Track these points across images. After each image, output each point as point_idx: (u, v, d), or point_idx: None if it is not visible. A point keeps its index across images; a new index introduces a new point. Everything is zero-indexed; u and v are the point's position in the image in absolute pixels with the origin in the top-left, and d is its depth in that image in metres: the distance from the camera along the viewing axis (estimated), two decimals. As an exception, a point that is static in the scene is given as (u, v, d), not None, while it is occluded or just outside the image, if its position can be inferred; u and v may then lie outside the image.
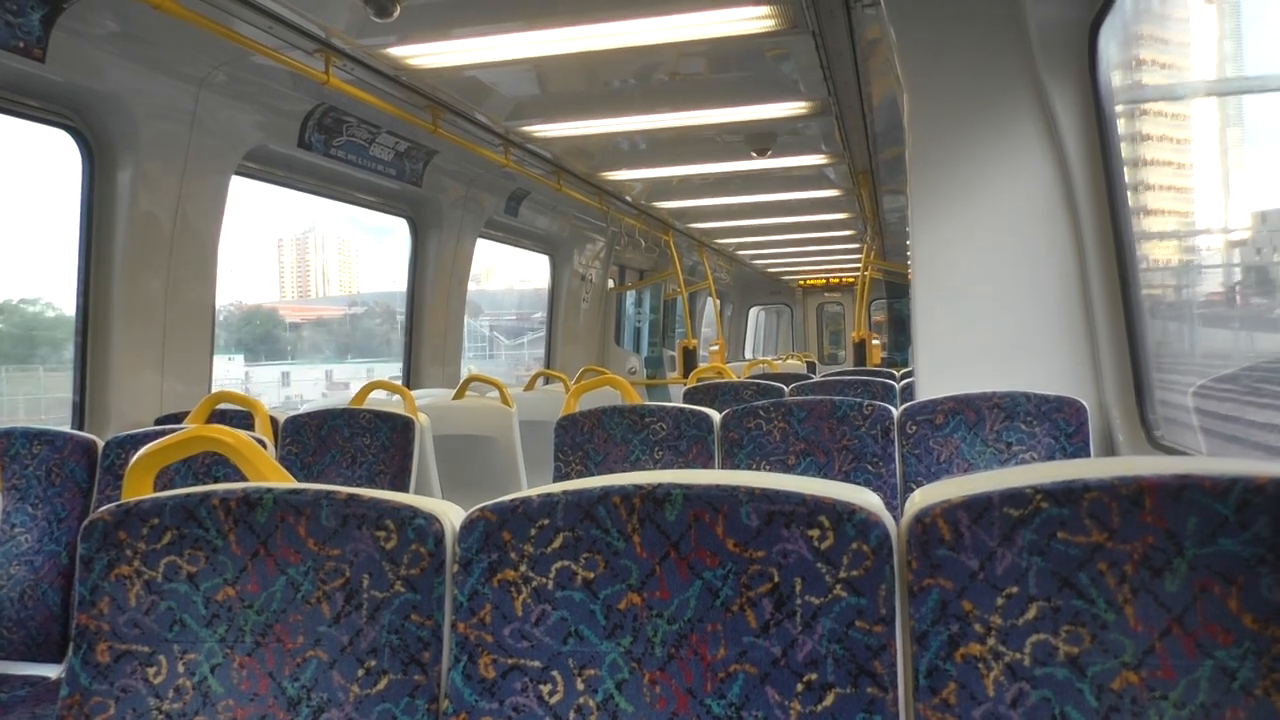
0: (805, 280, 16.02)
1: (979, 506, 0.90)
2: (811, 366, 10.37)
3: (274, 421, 3.04)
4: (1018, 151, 2.70)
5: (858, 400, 2.42)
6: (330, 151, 4.35)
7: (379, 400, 3.90)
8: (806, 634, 0.94)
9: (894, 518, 0.95)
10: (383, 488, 2.51)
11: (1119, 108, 2.63)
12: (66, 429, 2.50)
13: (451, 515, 1.08)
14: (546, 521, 1.01)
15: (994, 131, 2.72)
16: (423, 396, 4.20)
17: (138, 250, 3.38)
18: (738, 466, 2.42)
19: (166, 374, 3.55)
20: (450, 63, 3.69)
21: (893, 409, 2.43)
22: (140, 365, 3.46)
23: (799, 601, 0.94)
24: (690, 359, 9.13)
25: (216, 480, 2.16)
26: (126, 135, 3.28)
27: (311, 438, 3.01)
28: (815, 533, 0.94)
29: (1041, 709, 0.87)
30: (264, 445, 1.63)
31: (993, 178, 2.72)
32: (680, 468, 2.19)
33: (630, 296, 10.97)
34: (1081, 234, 2.64)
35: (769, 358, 11.73)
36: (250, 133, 3.83)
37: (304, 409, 3.26)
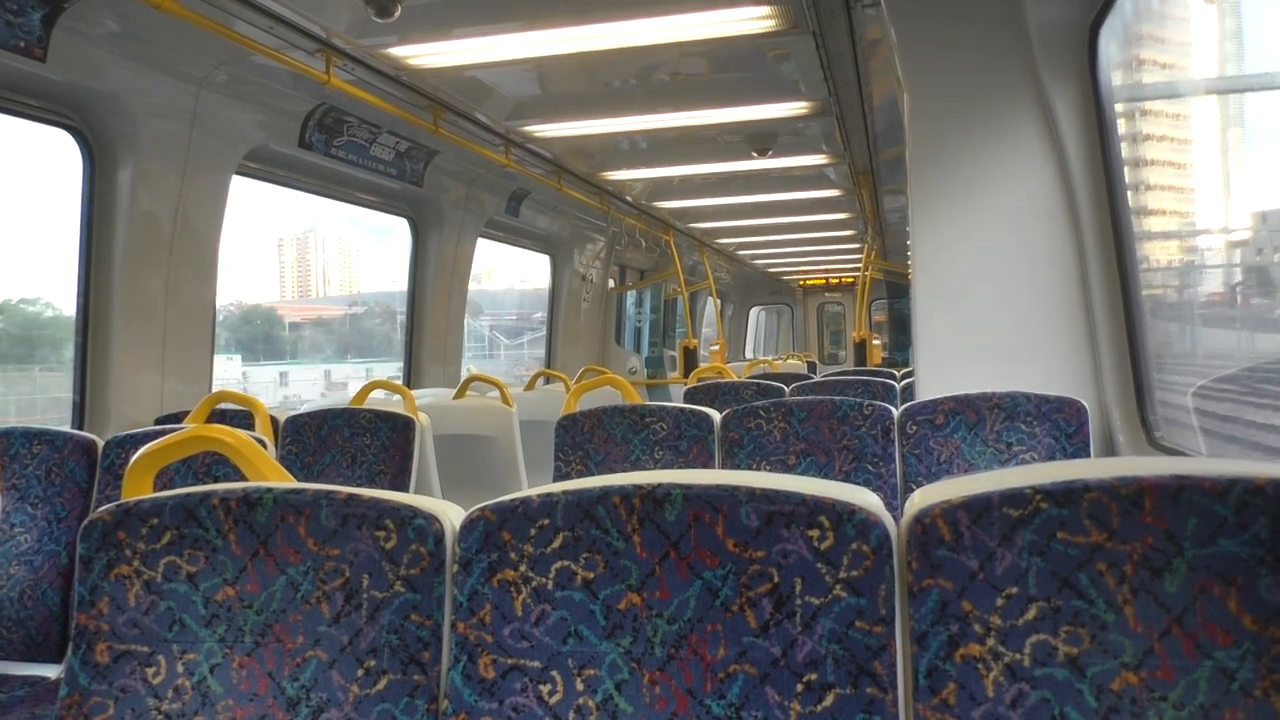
0: (806, 280, 16.02)
1: (979, 507, 0.90)
2: (812, 366, 10.37)
3: (274, 421, 3.04)
4: (1018, 152, 2.70)
5: (858, 400, 2.42)
6: (331, 151, 4.35)
7: (379, 400, 3.90)
8: (806, 634, 0.94)
9: (894, 518, 0.95)
10: (383, 487, 2.51)
11: (1119, 107, 2.63)
12: (66, 429, 2.50)
13: (451, 515, 1.08)
14: (546, 521, 1.01)
15: (994, 132, 2.71)
16: (423, 396, 4.20)
17: (138, 250, 3.38)
18: (738, 466, 2.42)
19: (167, 374, 3.55)
20: (451, 63, 3.69)
21: (893, 409, 2.43)
22: (140, 365, 3.46)
23: (799, 602, 0.94)
24: (691, 359, 9.13)
25: (216, 480, 2.16)
26: (127, 135, 3.28)
27: (311, 437, 3.01)
28: (815, 533, 0.94)
29: (1041, 709, 0.87)
30: (264, 445, 1.63)
31: (993, 178, 2.72)
32: (680, 468, 2.19)
33: (631, 296, 10.97)
34: (1082, 234, 2.64)
35: (769, 358, 11.73)
36: (251, 132, 3.83)
37: (302, 409, 3.26)
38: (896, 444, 2.39)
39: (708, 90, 4.27)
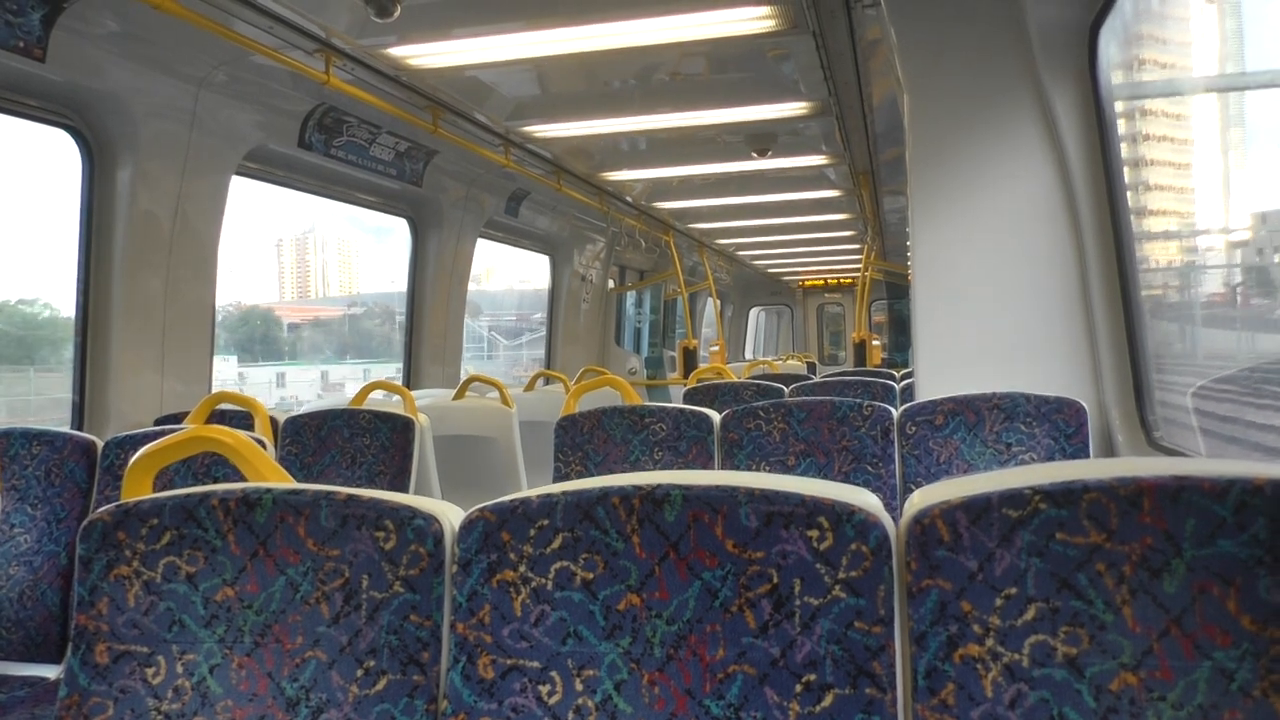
0: (805, 281, 16.02)
1: (978, 507, 0.90)
2: (811, 367, 10.37)
3: (274, 422, 3.04)
4: (1018, 152, 2.70)
5: (857, 401, 2.42)
6: (330, 151, 4.35)
7: (379, 400, 3.90)
8: (805, 635, 0.94)
9: (893, 519, 0.95)
10: (382, 488, 2.50)
11: (1119, 108, 2.63)
12: (66, 429, 2.50)
13: (451, 516, 1.08)
14: (546, 522, 1.01)
15: (994, 132, 2.72)
16: (423, 397, 4.20)
17: (137, 250, 3.38)
18: (737, 467, 2.42)
19: (166, 374, 3.55)
20: (450, 63, 3.69)
21: (892, 410, 2.43)
22: (140, 365, 3.46)
23: (798, 602, 0.94)
24: (690, 359, 9.13)
25: (216, 480, 2.16)
26: (126, 135, 3.28)
27: (311, 438, 3.01)
28: (814, 533, 0.94)
29: (1040, 710, 0.87)
30: (264, 446, 1.63)
31: (993, 179, 2.72)
32: (680, 468, 2.19)
33: (630, 297, 10.97)
34: (1081, 235, 2.64)
35: (769, 358, 11.73)
36: (250, 132, 3.83)
37: (300, 410, 3.26)
38: (896, 445, 2.39)
39: (707, 90, 4.27)
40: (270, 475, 1.32)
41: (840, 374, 4.93)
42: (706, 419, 2.46)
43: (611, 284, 9.23)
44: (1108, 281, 2.61)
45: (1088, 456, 2.33)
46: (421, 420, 3.06)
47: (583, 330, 8.34)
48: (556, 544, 1.01)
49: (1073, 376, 2.65)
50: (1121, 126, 2.66)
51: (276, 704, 1.06)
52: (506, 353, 15.94)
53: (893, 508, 2.25)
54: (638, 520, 0.99)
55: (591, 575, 1.00)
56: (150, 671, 1.09)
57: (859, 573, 0.93)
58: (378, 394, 3.89)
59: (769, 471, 2.40)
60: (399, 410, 3.03)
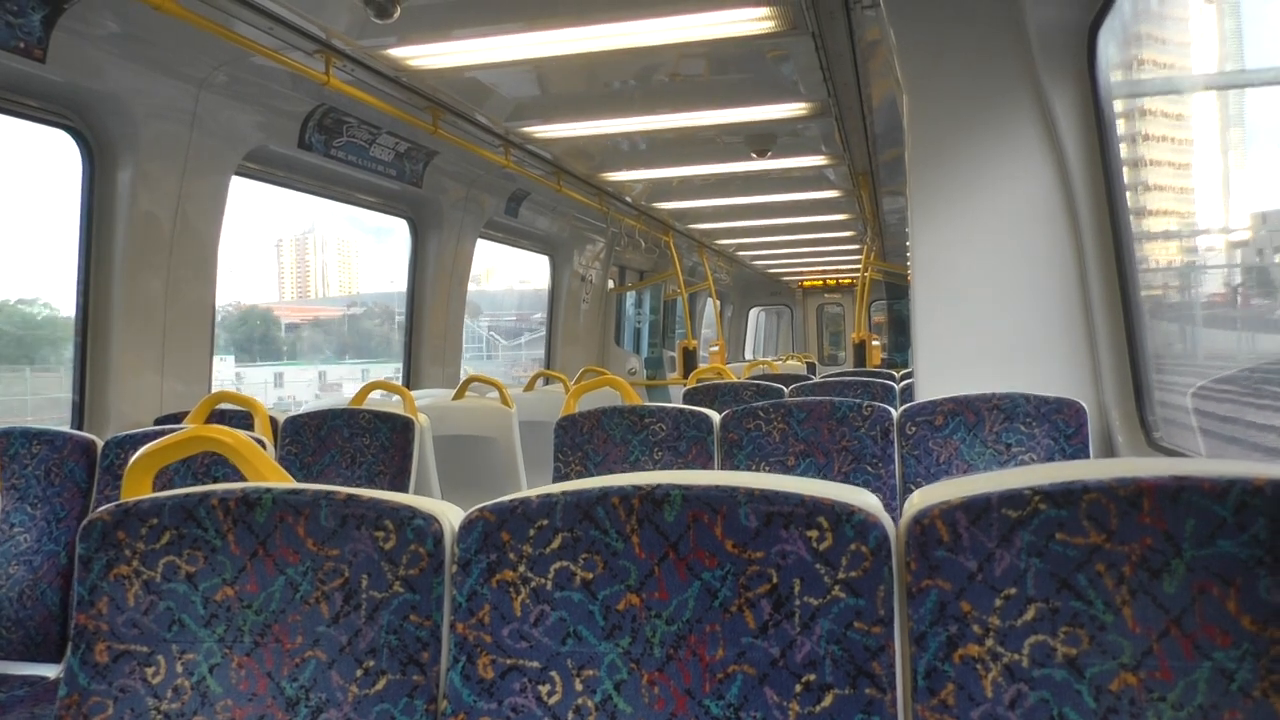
0: (805, 281, 16.02)
1: (977, 508, 0.90)
2: (811, 367, 10.37)
3: (273, 422, 3.04)
4: (1017, 153, 2.70)
5: (857, 401, 2.42)
6: (330, 152, 4.35)
7: (379, 400, 3.90)
8: (805, 635, 0.94)
9: (893, 519, 0.95)
10: (382, 488, 2.50)
11: (1119, 108, 2.63)
12: (66, 429, 2.50)
13: (450, 516, 1.08)
14: (545, 522, 1.01)
15: (994, 133, 2.72)
16: (422, 397, 4.20)
17: (138, 250, 3.38)
18: (737, 467, 2.42)
19: (166, 374, 3.55)
20: (450, 64, 3.69)
21: (892, 410, 2.43)
22: (140, 365, 3.46)
23: (797, 602, 0.94)
24: (690, 360, 9.13)
25: (216, 480, 2.16)
26: (127, 135, 3.28)
27: (311, 438, 3.01)
28: (814, 534, 0.94)
29: (1040, 710, 0.87)
30: (263, 445, 1.63)
31: (992, 179, 2.73)
32: (680, 468, 2.19)
33: (630, 297, 10.97)
34: (1081, 236, 2.64)
35: (769, 359, 11.73)
36: (250, 133, 3.83)
37: (300, 410, 3.26)
38: (895, 445, 2.39)
39: (707, 91, 4.28)
40: (270, 475, 1.32)
41: (840, 374, 4.93)
42: (706, 419, 2.46)
43: (611, 284, 9.23)
44: (1107, 282, 2.62)
45: (1087, 457, 2.33)
46: (421, 420, 3.06)
47: (582, 330, 8.34)
48: (556, 544, 1.01)
49: (1072, 377, 2.65)
50: (1121, 127, 2.66)
51: (276, 704, 1.06)
52: (506, 353, 15.94)
53: (892, 508, 2.25)
54: (637, 520, 0.99)
55: (591, 575, 1.00)
56: (150, 671, 1.09)
57: (859, 573, 0.93)
58: (377, 394, 3.89)
59: (769, 472, 2.40)
60: (399, 410, 3.03)
